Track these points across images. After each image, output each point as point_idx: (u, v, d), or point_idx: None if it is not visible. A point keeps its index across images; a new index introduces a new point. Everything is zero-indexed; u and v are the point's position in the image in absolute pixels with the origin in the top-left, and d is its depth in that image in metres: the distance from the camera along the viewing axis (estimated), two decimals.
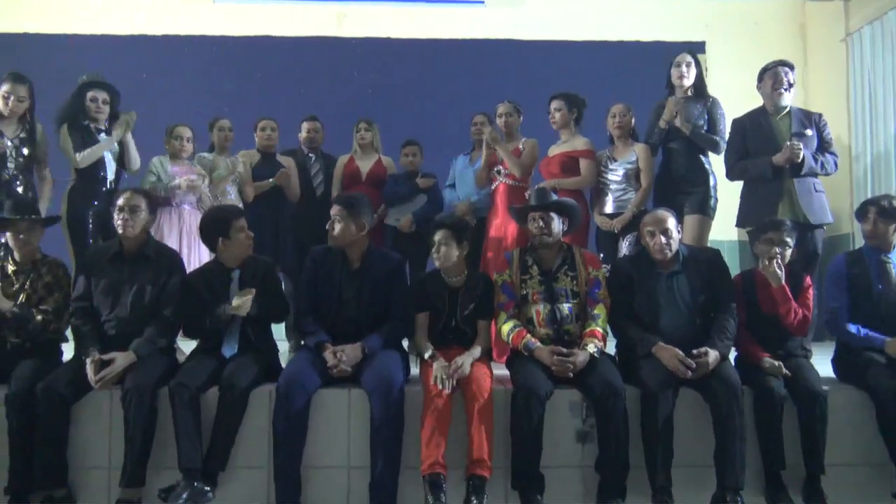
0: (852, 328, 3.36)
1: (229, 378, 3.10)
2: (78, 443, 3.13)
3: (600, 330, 3.25)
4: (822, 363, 3.47)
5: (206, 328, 3.29)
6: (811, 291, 3.36)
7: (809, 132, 4.08)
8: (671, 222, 3.34)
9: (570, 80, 5.96)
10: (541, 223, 3.36)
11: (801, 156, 3.94)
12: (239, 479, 3.14)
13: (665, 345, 3.18)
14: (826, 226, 4.12)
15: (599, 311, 3.30)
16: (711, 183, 4.37)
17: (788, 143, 3.97)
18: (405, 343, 3.55)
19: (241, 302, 3.19)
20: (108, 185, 4.30)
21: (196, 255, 4.34)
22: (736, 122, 4.28)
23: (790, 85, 4.15)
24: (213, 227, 3.33)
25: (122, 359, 3.14)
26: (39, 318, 3.29)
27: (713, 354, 3.13)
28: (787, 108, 4.17)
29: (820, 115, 4.21)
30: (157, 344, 3.24)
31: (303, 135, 5.08)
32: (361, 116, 5.11)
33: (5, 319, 3.25)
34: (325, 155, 5.10)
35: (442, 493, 2.95)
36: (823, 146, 4.12)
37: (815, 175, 4.08)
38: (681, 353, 3.13)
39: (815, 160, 4.04)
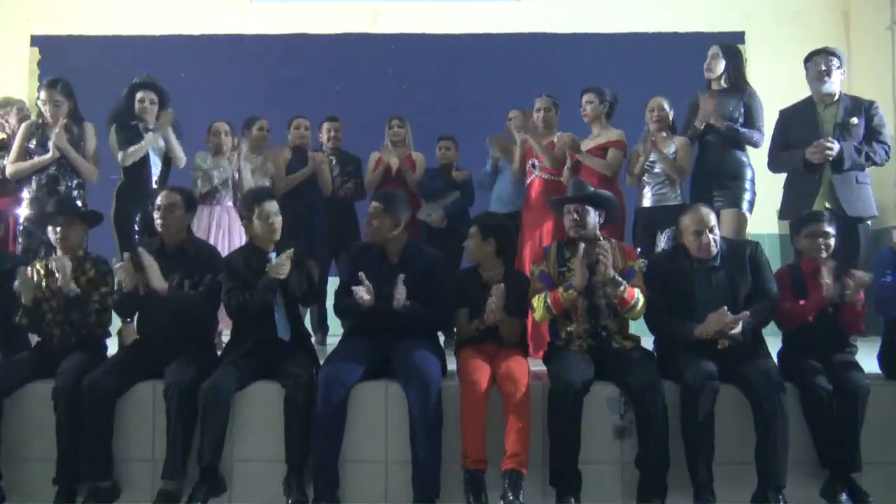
0: None
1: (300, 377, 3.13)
2: (123, 436, 3.19)
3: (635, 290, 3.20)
4: (868, 358, 3.40)
5: (251, 305, 3.24)
6: (862, 292, 3.27)
7: (855, 121, 3.96)
8: (713, 219, 3.29)
9: (607, 73, 5.94)
10: (575, 216, 3.33)
11: (837, 153, 3.83)
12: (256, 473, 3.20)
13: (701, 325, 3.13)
14: (871, 219, 4.02)
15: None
16: (748, 176, 4.30)
17: (820, 140, 3.85)
18: (441, 339, 3.55)
19: (280, 261, 3.19)
20: (155, 184, 4.37)
21: (226, 251, 4.39)
22: (780, 113, 4.19)
23: (831, 71, 4.00)
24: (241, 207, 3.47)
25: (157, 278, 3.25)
26: (96, 304, 3.39)
27: (744, 314, 3.10)
28: (836, 97, 4.04)
29: (871, 103, 4.06)
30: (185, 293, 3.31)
31: (324, 135, 5.12)
32: (394, 113, 5.14)
33: (63, 302, 3.32)
34: (345, 154, 5.14)
35: (483, 494, 2.96)
36: (872, 135, 3.98)
37: (861, 168, 3.97)
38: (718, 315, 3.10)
39: (860, 152, 3.91)
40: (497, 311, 3.24)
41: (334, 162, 5.07)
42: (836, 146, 3.85)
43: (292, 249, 3.24)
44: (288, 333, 3.30)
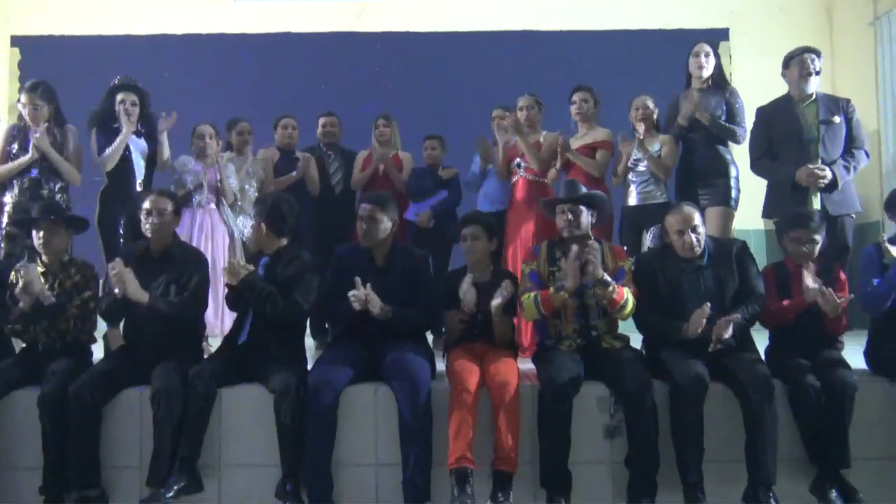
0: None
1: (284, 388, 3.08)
2: (110, 443, 3.17)
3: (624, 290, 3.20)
4: (855, 355, 3.42)
5: (236, 299, 3.32)
6: (847, 288, 3.30)
7: (837, 119, 3.99)
8: (698, 218, 3.29)
9: (592, 70, 5.96)
10: (569, 216, 3.32)
11: (828, 179, 3.85)
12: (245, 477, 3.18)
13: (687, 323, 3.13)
14: (855, 214, 4.04)
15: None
16: (733, 174, 4.31)
17: (812, 166, 3.86)
18: (429, 338, 3.54)
19: (229, 268, 3.19)
20: (140, 187, 4.32)
21: (208, 254, 4.34)
22: (760, 112, 4.19)
23: (817, 72, 4.05)
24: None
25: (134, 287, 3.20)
26: (75, 310, 3.34)
27: (735, 316, 3.11)
28: (814, 95, 4.07)
29: (848, 101, 4.10)
30: (165, 303, 3.27)
31: (319, 130, 5.08)
32: (381, 112, 5.11)
33: (42, 309, 3.27)
34: (344, 151, 5.09)
35: (468, 486, 2.94)
36: (851, 135, 4.01)
37: (848, 171, 3.96)
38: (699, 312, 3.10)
39: (848, 169, 3.93)
40: (469, 297, 3.25)
41: (332, 158, 5.03)
42: (828, 173, 3.86)
43: (236, 260, 3.26)
44: (242, 338, 3.28)
